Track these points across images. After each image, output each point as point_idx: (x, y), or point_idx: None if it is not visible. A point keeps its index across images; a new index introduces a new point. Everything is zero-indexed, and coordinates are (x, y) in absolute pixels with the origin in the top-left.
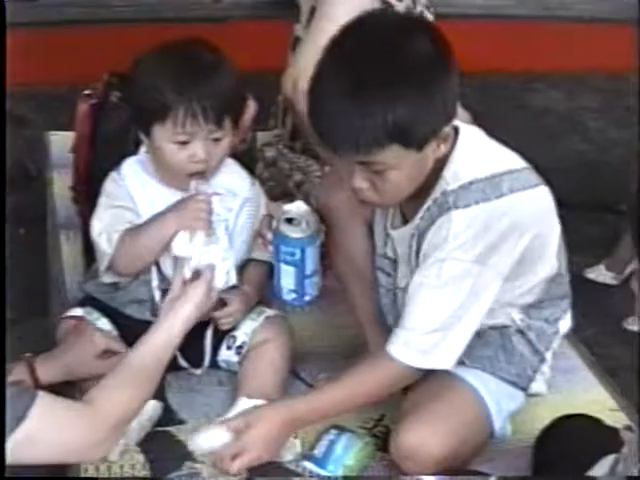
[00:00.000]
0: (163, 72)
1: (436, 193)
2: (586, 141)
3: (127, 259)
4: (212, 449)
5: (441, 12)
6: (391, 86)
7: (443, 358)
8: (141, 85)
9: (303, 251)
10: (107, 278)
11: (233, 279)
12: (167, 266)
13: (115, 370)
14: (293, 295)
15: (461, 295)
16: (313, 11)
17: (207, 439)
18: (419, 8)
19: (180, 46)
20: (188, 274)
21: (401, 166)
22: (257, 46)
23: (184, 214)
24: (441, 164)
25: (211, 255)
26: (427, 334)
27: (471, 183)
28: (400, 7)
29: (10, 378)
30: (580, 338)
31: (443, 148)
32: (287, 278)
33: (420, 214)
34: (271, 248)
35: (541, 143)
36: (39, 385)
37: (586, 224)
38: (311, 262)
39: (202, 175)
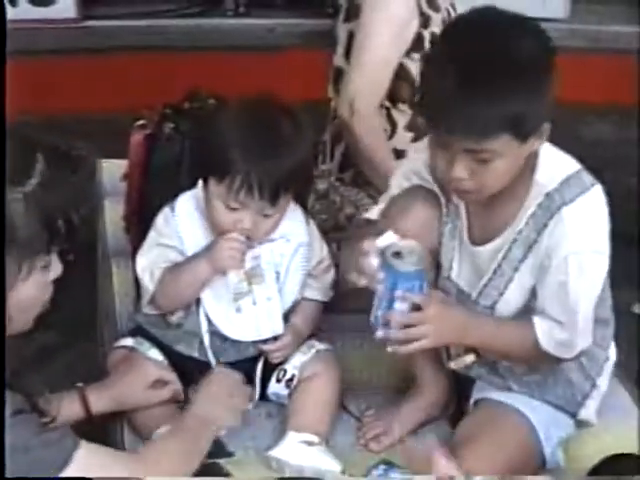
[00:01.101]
0: (235, 132)
1: (537, 198)
2: (635, 174)
3: (167, 297)
4: None
5: None
6: (509, 77)
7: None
8: (211, 137)
9: (421, 283)
10: (149, 310)
11: (279, 328)
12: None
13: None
14: None
15: (594, 286)
16: (350, 38)
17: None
18: None
19: (262, 107)
20: None
21: (505, 156)
22: (309, 75)
23: (216, 255)
24: (526, 171)
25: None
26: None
27: (568, 179)
28: (437, 19)
29: (62, 407)
30: (628, 374)
31: (537, 144)
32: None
33: (523, 220)
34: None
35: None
36: (91, 415)
37: (634, 258)
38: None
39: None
